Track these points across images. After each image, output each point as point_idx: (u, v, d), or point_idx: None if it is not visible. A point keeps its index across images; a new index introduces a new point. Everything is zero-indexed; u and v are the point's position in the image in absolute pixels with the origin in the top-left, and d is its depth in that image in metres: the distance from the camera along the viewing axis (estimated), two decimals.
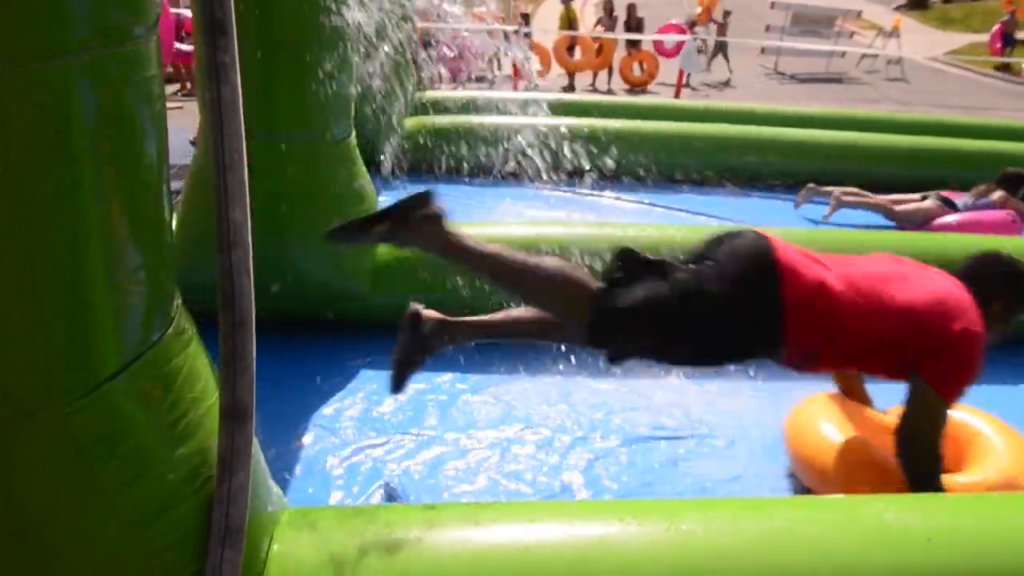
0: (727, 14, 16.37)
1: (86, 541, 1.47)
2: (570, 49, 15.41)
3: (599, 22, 16.12)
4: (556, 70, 15.47)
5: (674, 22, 16.17)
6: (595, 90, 15.11)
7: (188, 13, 11.59)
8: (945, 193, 6.03)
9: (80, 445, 1.40)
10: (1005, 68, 19.36)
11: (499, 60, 15.82)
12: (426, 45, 10.06)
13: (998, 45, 20.17)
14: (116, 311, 1.43)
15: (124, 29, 1.34)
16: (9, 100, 1.22)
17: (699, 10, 16.95)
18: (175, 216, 3.59)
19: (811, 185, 6.22)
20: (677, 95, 13.95)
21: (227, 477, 1.53)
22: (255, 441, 1.67)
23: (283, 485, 2.64)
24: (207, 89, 1.44)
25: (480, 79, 11.12)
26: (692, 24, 15.96)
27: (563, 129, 6.13)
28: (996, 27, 20.33)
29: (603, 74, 15.66)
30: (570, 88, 14.94)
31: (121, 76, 1.35)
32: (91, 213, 1.35)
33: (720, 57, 16.52)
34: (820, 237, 4.10)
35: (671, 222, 5.62)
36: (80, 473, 1.42)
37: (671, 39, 15.26)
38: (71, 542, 1.46)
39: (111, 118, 1.35)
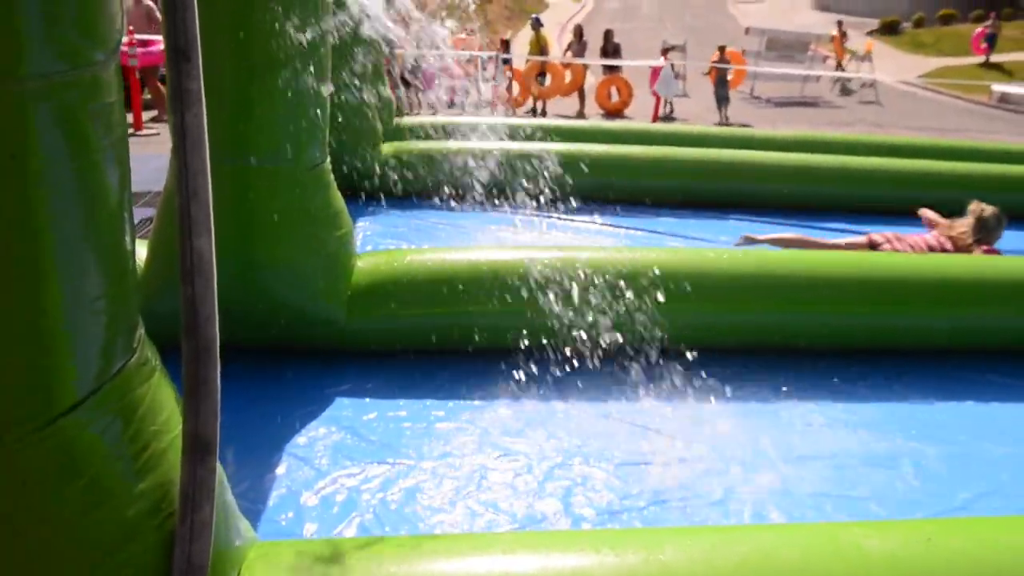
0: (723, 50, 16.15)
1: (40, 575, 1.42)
2: (542, 75, 15.51)
3: (569, 47, 16.24)
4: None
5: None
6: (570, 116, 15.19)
7: None
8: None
9: (31, 478, 1.35)
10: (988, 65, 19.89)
11: (478, 86, 15.88)
12: (408, 72, 10.07)
13: (983, 46, 20.82)
14: (75, 341, 1.39)
15: (83, 54, 1.31)
16: None
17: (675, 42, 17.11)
18: (147, 244, 3.56)
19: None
20: (654, 120, 14.06)
21: (189, 512, 1.48)
22: (221, 474, 1.63)
23: (255, 517, 2.58)
24: (171, 116, 1.41)
25: (452, 104, 11.09)
26: (666, 50, 16.12)
27: (540, 153, 6.15)
28: (979, 30, 21.07)
29: (574, 99, 15.72)
30: (542, 114, 14.99)
31: (80, 102, 1.32)
32: (49, 241, 1.32)
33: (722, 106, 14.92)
34: (799, 257, 4.10)
35: (646, 244, 5.62)
36: (31, 506, 1.37)
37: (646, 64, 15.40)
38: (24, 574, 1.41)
39: (70, 144, 1.32)
